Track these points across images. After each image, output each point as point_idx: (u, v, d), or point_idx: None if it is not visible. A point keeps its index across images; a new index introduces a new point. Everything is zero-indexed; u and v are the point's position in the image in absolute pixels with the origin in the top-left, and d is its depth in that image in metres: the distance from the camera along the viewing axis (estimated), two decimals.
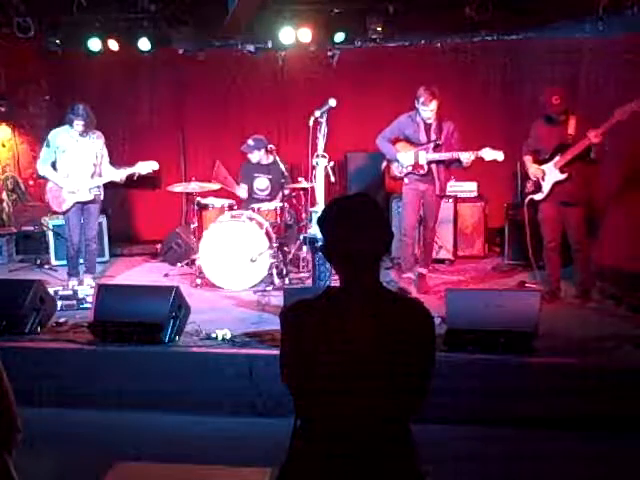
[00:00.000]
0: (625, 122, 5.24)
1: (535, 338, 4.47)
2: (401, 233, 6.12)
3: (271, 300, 5.98)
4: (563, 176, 5.51)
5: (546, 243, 5.77)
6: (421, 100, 5.80)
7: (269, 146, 7.06)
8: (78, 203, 6.33)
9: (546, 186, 5.62)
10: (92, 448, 4.01)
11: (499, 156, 5.81)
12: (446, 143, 5.93)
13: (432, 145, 5.91)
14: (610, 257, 6.34)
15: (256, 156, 7.15)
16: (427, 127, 5.96)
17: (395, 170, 6.12)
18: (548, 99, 5.48)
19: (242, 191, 7.30)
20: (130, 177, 6.47)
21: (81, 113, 6.12)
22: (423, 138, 5.95)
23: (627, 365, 4.39)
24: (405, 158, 5.99)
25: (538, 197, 5.69)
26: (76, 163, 6.26)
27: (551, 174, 5.58)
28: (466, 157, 5.79)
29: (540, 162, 5.66)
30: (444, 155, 5.91)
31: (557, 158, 5.52)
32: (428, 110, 5.83)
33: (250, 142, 7.13)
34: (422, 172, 5.97)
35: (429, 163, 5.94)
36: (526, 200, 5.83)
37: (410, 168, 6.00)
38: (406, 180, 6.09)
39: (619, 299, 5.63)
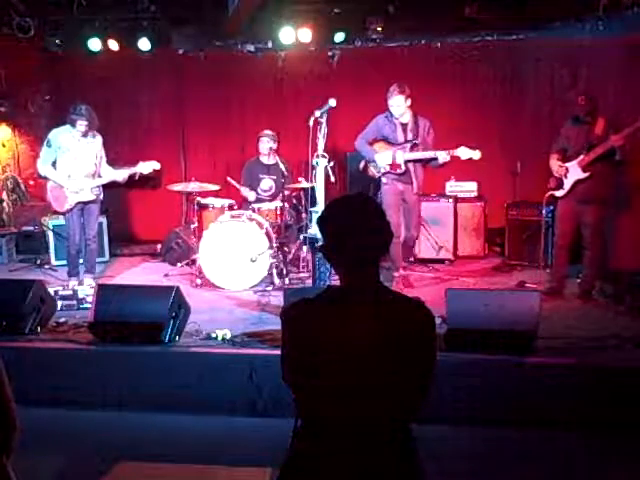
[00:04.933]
0: None
1: (535, 338, 4.47)
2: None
3: (271, 300, 5.98)
4: (585, 174, 5.55)
5: (557, 239, 5.83)
6: (388, 95, 5.88)
7: (272, 145, 7.09)
8: (80, 203, 6.33)
9: (568, 183, 5.67)
10: (92, 448, 4.01)
11: (475, 155, 5.86)
12: (422, 141, 5.97)
13: (409, 145, 5.97)
14: (611, 257, 6.35)
15: (265, 145, 7.12)
16: (404, 126, 6.02)
17: (373, 170, 6.16)
18: (575, 99, 5.57)
19: (250, 194, 7.26)
20: (132, 177, 6.47)
21: (84, 113, 6.12)
22: (400, 138, 6.01)
23: (627, 365, 4.39)
24: (382, 158, 6.03)
25: (559, 194, 5.76)
26: (78, 163, 6.26)
27: (574, 172, 5.62)
28: (443, 156, 5.84)
29: (565, 160, 5.70)
30: (421, 154, 5.96)
31: (581, 157, 5.56)
32: (395, 106, 5.88)
33: (267, 131, 7.18)
34: (399, 171, 6.02)
35: (407, 162, 5.98)
36: (546, 195, 5.90)
37: (387, 168, 6.04)
38: (384, 180, 6.12)
39: (619, 299, 5.64)
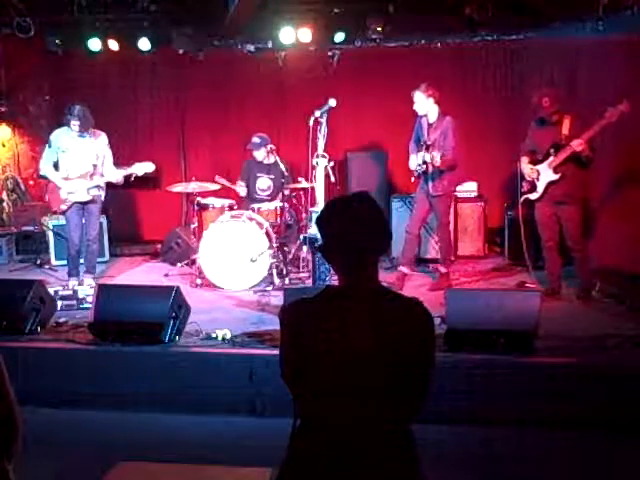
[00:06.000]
0: (615, 123, 5.28)
1: (535, 338, 4.47)
2: (406, 229, 6.27)
3: (271, 300, 5.99)
4: (557, 176, 5.55)
5: (544, 242, 5.83)
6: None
7: (270, 146, 7.07)
8: (77, 203, 6.32)
9: (540, 186, 5.67)
10: (92, 448, 4.01)
11: (436, 160, 5.86)
12: (438, 143, 5.95)
13: (424, 146, 5.98)
14: (611, 258, 6.34)
15: (262, 153, 7.13)
16: (429, 126, 6.03)
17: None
18: (539, 101, 5.55)
19: (241, 189, 7.29)
20: (127, 178, 6.46)
21: (77, 113, 6.12)
22: (425, 137, 6.03)
23: (627, 365, 4.39)
24: (412, 158, 6.11)
25: (533, 197, 5.76)
26: (75, 163, 6.26)
27: (545, 174, 5.63)
28: (427, 158, 5.91)
29: (535, 162, 5.70)
30: (422, 156, 5.99)
31: (551, 158, 5.57)
32: (415, 102, 5.94)
33: (256, 139, 7.11)
34: (420, 170, 6.06)
35: (424, 163, 5.99)
36: (521, 200, 5.89)
37: (419, 168, 6.08)
38: (413, 179, 6.24)
39: (620, 299, 5.64)
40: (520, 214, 5.97)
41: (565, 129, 5.49)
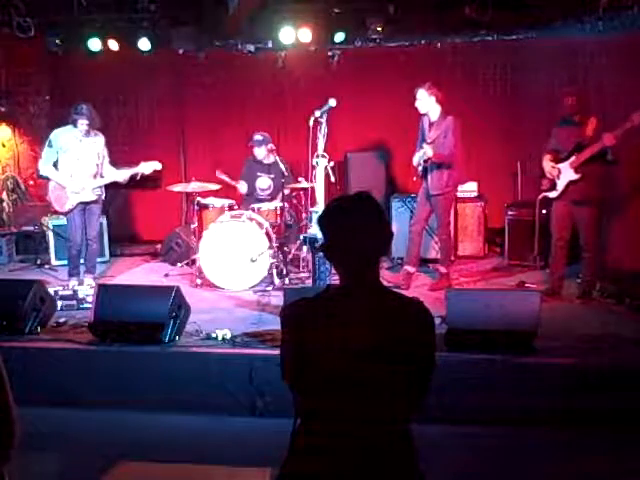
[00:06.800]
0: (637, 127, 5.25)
1: (535, 338, 4.47)
2: (409, 228, 6.31)
3: (271, 300, 5.99)
4: (577, 176, 5.54)
5: (555, 240, 5.82)
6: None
7: (270, 145, 7.08)
8: (81, 203, 6.33)
9: (560, 185, 5.66)
10: (92, 448, 4.01)
11: (428, 152, 5.90)
12: (437, 142, 5.95)
13: (424, 143, 6.00)
14: (611, 256, 6.35)
15: (262, 151, 7.14)
16: (430, 125, 6.05)
17: None
18: (563, 100, 5.55)
19: (242, 186, 7.30)
20: (133, 177, 6.47)
21: (85, 112, 6.13)
22: (427, 135, 6.04)
23: (627, 365, 4.38)
24: (415, 157, 6.15)
25: (552, 195, 5.75)
26: (79, 163, 6.26)
27: (566, 173, 5.61)
28: (424, 153, 5.96)
29: (558, 161, 5.69)
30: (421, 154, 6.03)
31: (573, 158, 5.55)
32: (417, 99, 5.96)
33: (258, 137, 7.12)
34: (422, 169, 6.08)
35: (424, 161, 6.01)
36: (540, 197, 5.89)
37: (420, 167, 6.10)
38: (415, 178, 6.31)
39: (620, 299, 5.64)
40: (537, 212, 5.97)
41: (589, 130, 5.47)
